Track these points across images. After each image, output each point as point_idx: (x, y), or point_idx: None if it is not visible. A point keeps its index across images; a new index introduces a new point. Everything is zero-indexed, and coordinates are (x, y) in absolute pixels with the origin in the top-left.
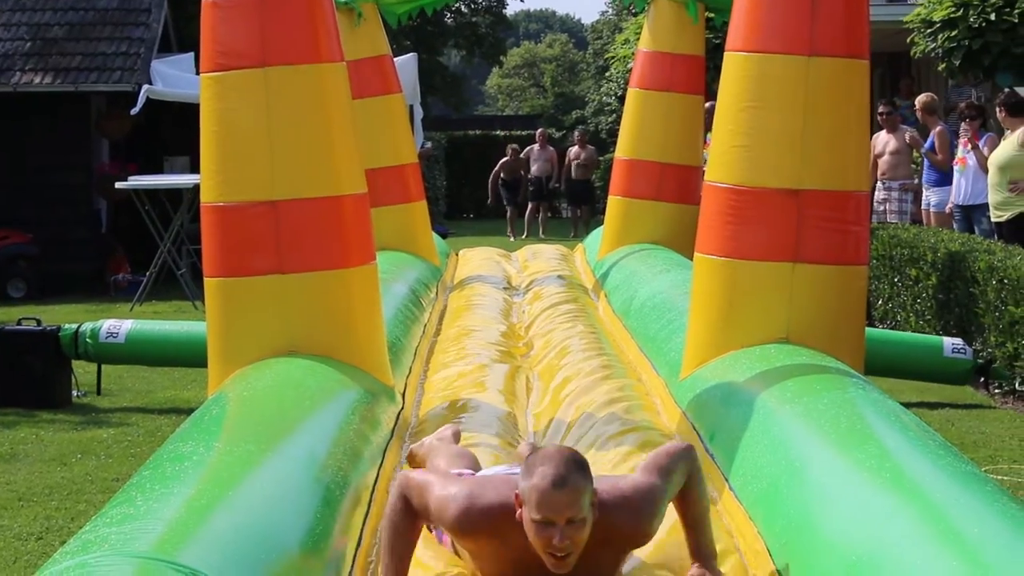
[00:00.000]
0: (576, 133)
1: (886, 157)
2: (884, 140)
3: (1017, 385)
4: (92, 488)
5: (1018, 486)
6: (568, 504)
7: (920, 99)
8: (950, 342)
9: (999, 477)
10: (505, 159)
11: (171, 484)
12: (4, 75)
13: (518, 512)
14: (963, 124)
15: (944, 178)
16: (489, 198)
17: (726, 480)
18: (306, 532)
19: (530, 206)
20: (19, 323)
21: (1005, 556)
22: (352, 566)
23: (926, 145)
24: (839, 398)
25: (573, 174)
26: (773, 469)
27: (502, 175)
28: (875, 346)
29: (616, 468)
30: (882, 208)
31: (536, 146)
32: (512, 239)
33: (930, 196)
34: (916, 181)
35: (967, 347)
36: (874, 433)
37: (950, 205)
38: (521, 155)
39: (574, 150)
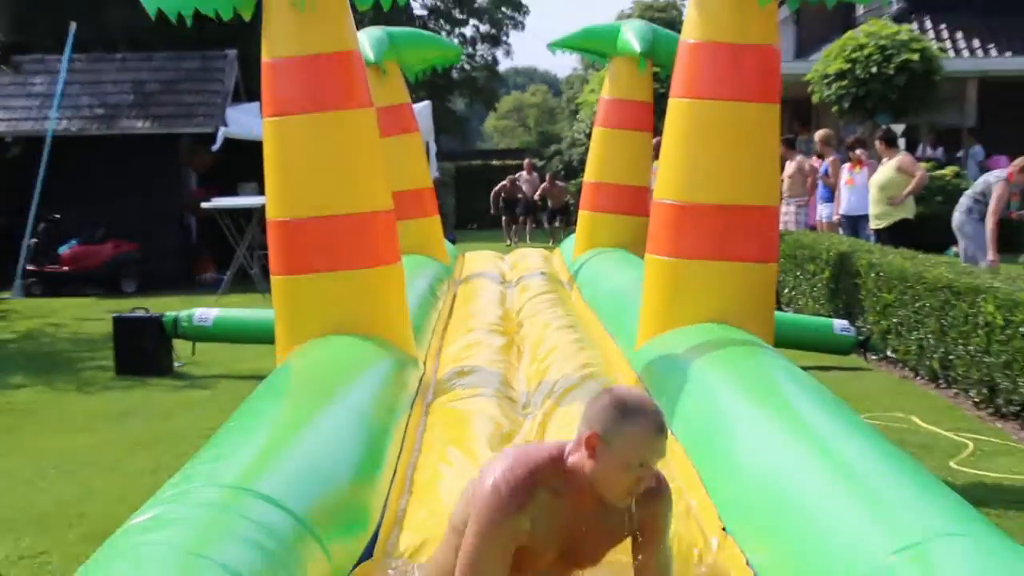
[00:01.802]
0: (548, 175)
1: (785, 180)
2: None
3: (888, 353)
4: (191, 435)
5: (887, 428)
6: (663, 445)
7: (818, 134)
8: (839, 323)
9: (873, 421)
10: (503, 183)
11: (250, 432)
12: (113, 121)
13: (587, 455)
14: (851, 153)
15: (831, 195)
16: (491, 208)
17: (669, 426)
18: (354, 466)
19: (520, 219)
20: (132, 311)
21: (875, 472)
22: (389, 491)
23: (821, 170)
24: (755, 363)
25: (549, 204)
26: (705, 416)
27: (502, 195)
28: (782, 326)
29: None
30: (785, 219)
31: (524, 173)
32: (508, 244)
33: (823, 209)
34: (807, 199)
35: (851, 327)
36: (781, 389)
37: (836, 216)
38: (516, 180)
39: (545, 187)
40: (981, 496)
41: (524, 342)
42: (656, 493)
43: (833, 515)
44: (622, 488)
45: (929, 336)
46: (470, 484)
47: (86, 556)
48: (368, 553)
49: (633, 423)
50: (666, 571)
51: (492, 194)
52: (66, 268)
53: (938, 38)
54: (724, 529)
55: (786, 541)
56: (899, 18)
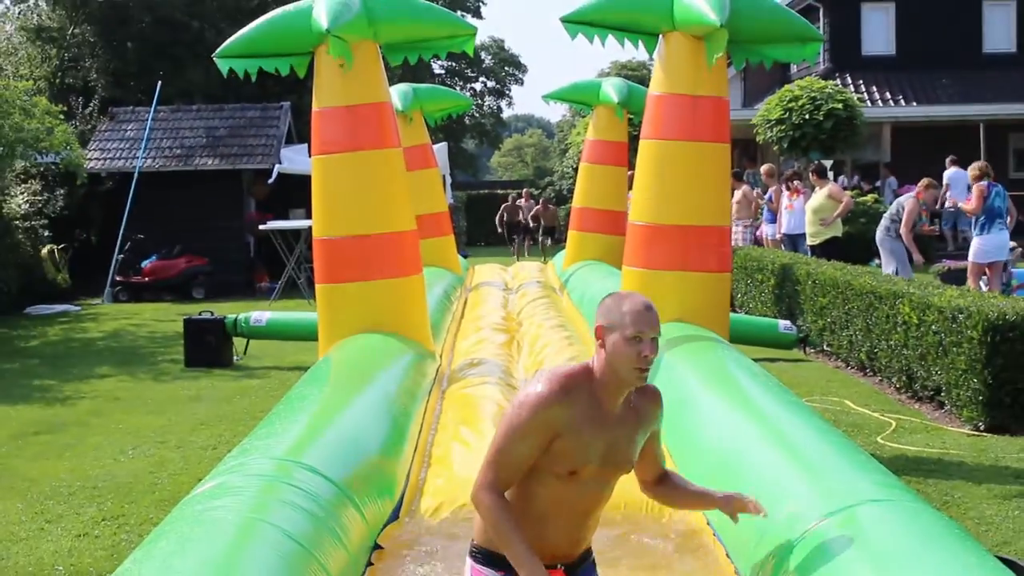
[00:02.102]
0: (541, 200)
1: (734, 205)
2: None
3: (824, 348)
4: (247, 417)
5: (824, 410)
6: (655, 321)
7: (763, 168)
8: (782, 322)
9: (813, 404)
10: (506, 204)
11: (297, 415)
12: (189, 160)
13: (600, 347)
14: (789, 183)
15: (774, 218)
16: (498, 229)
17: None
18: (382, 443)
19: (520, 238)
20: (200, 314)
21: (813, 447)
22: (411, 464)
23: (766, 197)
24: (714, 355)
25: (542, 223)
26: (673, 400)
27: (505, 216)
28: (736, 325)
29: None
30: (735, 237)
31: (523, 200)
32: (516, 259)
33: (767, 229)
34: (751, 221)
35: (793, 326)
36: (735, 377)
37: (779, 235)
38: (517, 203)
39: (538, 208)
40: (903, 467)
41: (523, 339)
42: (654, 396)
43: (777, 483)
44: (630, 362)
45: (857, 333)
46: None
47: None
48: (395, 515)
49: (625, 304)
50: (662, 459)
51: (497, 217)
52: (147, 279)
53: (856, 91)
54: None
55: None
56: (825, 75)
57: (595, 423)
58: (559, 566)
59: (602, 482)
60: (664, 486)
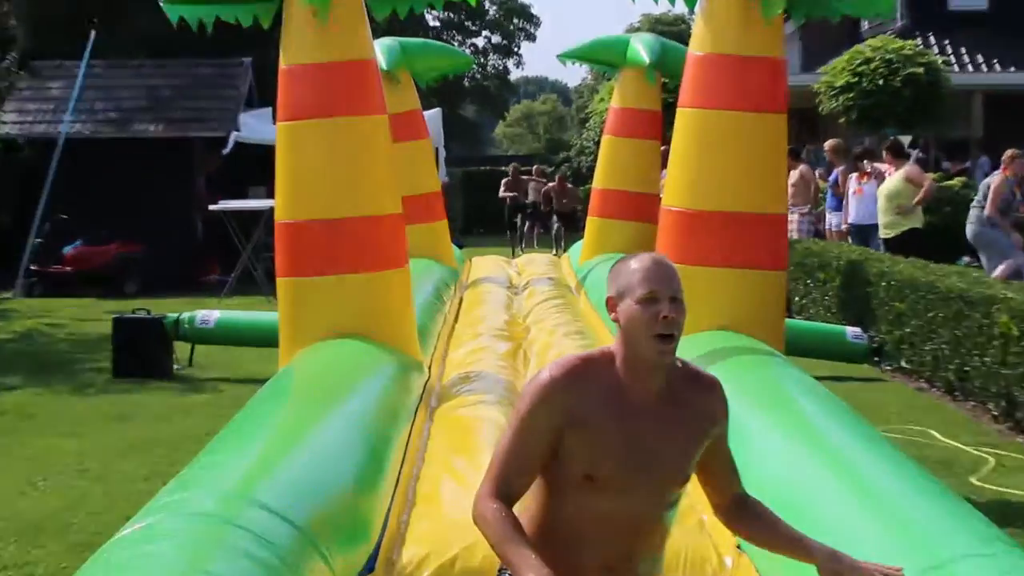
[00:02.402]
0: (558, 176)
1: (790, 188)
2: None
3: (903, 364)
4: (188, 441)
5: (906, 441)
6: (671, 276)
7: (829, 143)
8: (851, 330)
9: (889, 435)
10: (506, 178)
11: (250, 438)
12: (127, 125)
13: (615, 322)
14: (859, 164)
15: (840, 204)
16: (503, 206)
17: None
18: (356, 475)
19: (527, 225)
20: (133, 312)
21: (895, 489)
22: (391, 503)
23: (831, 179)
24: (767, 373)
25: (555, 206)
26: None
27: (508, 201)
28: (793, 333)
29: None
30: (789, 228)
31: (531, 178)
32: (519, 250)
33: (831, 218)
34: (809, 208)
35: (864, 334)
36: (794, 400)
37: (845, 225)
38: (520, 180)
39: (553, 186)
40: (1005, 515)
41: (531, 348)
42: (711, 387)
43: (852, 534)
44: (646, 328)
45: (944, 347)
46: None
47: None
48: (370, 566)
49: (633, 262)
50: (735, 475)
51: (500, 197)
52: (69, 268)
53: (941, 52)
54: (738, 547)
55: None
56: (903, 34)
57: (613, 414)
58: None
59: (638, 494)
60: (744, 514)
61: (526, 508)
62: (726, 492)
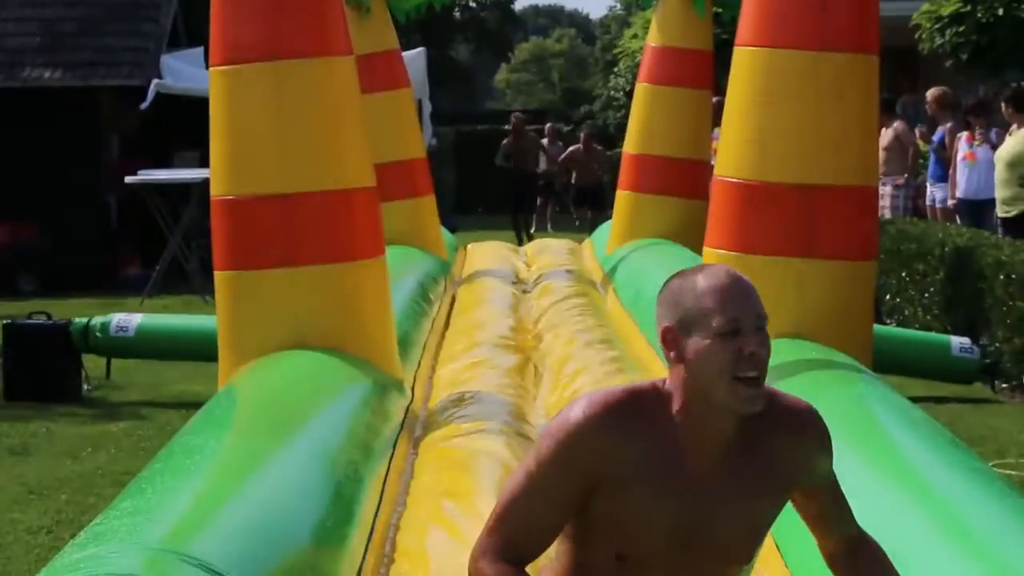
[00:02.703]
0: (582, 134)
1: (881, 153)
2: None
3: (1023, 380)
4: (103, 482)
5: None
6: (754, 298)
7: (932, 92)
8: (958, 341)
9: (1007, 472)
10: (507, 140)
11: (182, 477)
12: (15, 70)
13: (674, 361)
14: (971, 120)
15: (946, 173)
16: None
17: None
18: (318, 525)
19: (539, 201)
20: (29, 317)
21: (1011, 551)
22: (363, 558)
23: (935, 139)
24: (849, 393)
25: (575, 179)
26: None
27: (507, 159)
28: (883, 343)
29: None
30: (880, 204)
31: (545, 141)
32: (525, 237)
33: (935, 192)
34: (906, 177)
35: (974, 347)
36: (884, 428)
37: (953, 200)
38: (522, 142)
39: (575, 150)
40: None
41: (543, 361)
42: (801, 424)
43: None
44: (726, 371)
45: None
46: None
47: None
48: None
49: (701, 281)
50: (847, 517)
51: (499, 165)
52: None
53: None
54: None
55: None
56: None
57: (662, 476)
58: None
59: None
60: (862, 564)
61: (549, 561)
62: (836, 536)
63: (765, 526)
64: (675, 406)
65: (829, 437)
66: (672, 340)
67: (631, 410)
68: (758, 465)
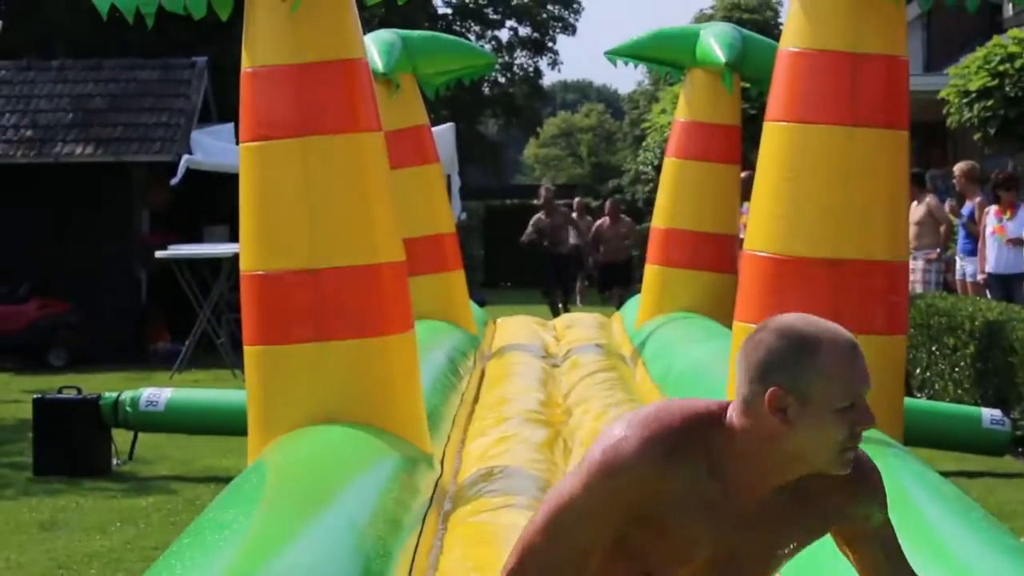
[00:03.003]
0: (607, 204)
1: (912, 227)
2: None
3: None
4: (131, 557)
5: None
6: (863, 362)
7: (960, 166)
8: (989, 413)
9: None
10: (539, 216)
11: (211, 553)
12: (47, 146)
13: (778, 422)
14: (999, 193)
15: (976, 247)
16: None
17: None
18: None
19: (569, 275)
20: (60, 392)
21: None
22: None
23: (965, 213)
24: (879, 467)
25: (602, 252)
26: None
27: (540, 237)
28: (914, 416)
29: None
30: (912, 278)
31: (574, 215)
32: (561, 311)
33: (966, 265)
34: (938, 251)
35: (1005, 418)
36: (915, 504)
37: (982, 275)
38: (542, 221)
39: (603, 223)
40: None
41: (573, 436)
42: (862, 476)
43: None
44: (837, 446)
45: None
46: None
47: None
48: None
49: (823, 349)
50: (899, 567)
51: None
52: None
53: None
54: None
55: None
56: None
57: (713, 511)
58: None
59: None
60: None
61: None
62: None
63: (789, 557)
64: (738, 445)
65: (876, 483)
66: (780, 404)
67: (686, 441)
68: (798, 503)
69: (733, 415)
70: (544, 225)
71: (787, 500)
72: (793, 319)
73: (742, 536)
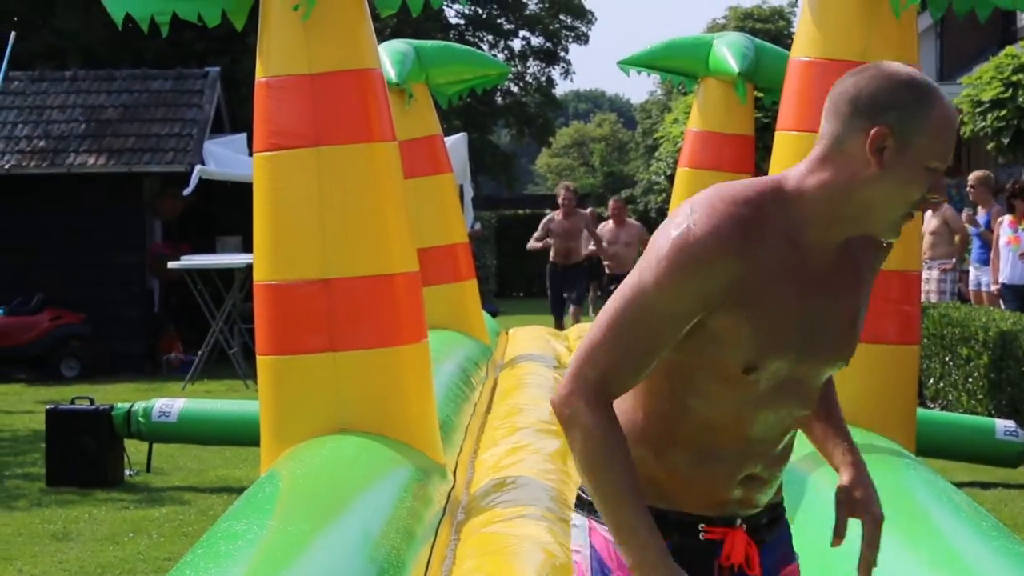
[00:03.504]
0: (613, 202)
1: (927, 237)
2: (925, 219)
3: None
4: (144, 567)
5: None
6: None
7: (975, 175)
8: (1002, 424)
9: None
10: (549, 219)
11: (224, 563)
12: (59, 156)
13: (873, 162)
14: (1014, 203)
15: (989, 257)
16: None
17: None
18: None
19: (573, 292)
20: (72, 402)
21: None
22: None
23: (982, 222)
24: (891, 478)
25: (606, 264)
26: (824, 545)
27: (551, 246)
28: (926, 427)
29: None
30: (926, 288)
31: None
32: (571, 321)
33: (980, 275)
34: (954, 261)
35: (1019, 429)
36: (927, 514)
37: (997, 285)
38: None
39: (611, 228)
40: None
41: None
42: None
43: None
44: (907, 207)
45: None
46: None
47: None
48: None
49: (937, 108)
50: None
51: (534, 240)
52: None
53: None
54: None
55: None
56: None
57: (794, 280)
58: (738, 521)
59: (800, 384)
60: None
61: (621, 412)
62: None
63: (861, 320)
64: (807, 205)
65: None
66: (881, 143)
67: (757, 213)
68: (852, 260)
69: (798, 174)
70: (556, 227)
71: (846, 260)
72: (904, 67)
73: (825, 303)
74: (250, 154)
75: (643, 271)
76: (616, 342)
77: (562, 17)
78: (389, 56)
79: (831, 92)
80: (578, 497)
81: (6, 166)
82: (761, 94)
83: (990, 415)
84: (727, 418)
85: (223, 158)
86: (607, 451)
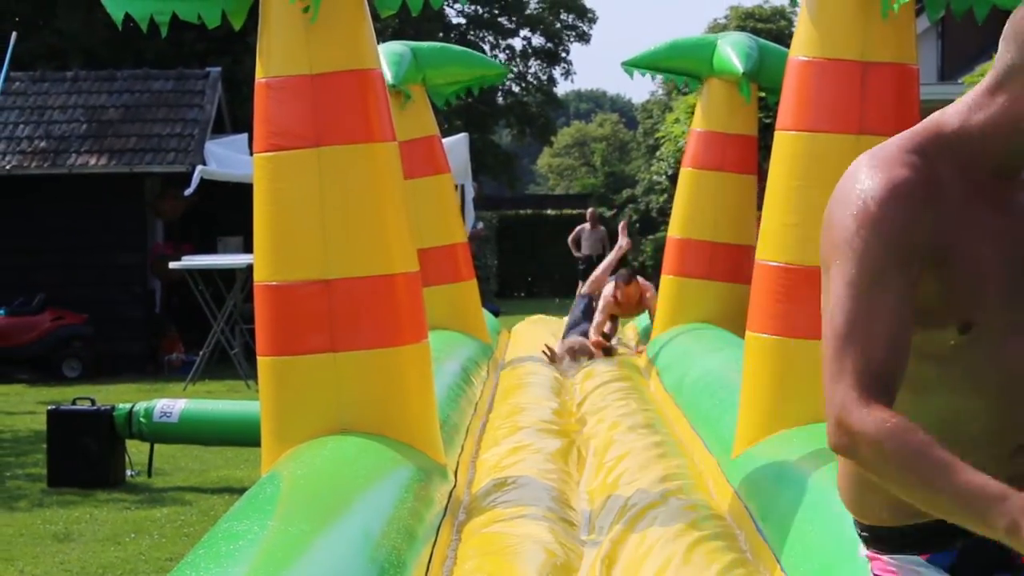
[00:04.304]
0: (622, 224)
1: None
2: None
3: None
4: (146, 568)
5: None
6: None
7: None
8: None
9: None
10: (581, 226)
11: (225, 563)
12: (60, 157)
13: (1015, 86)
14: None
15: None
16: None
17: (778, 560)
18: None
19: (580, 285)
20: (74, 403)
21: None
22: None
23: None
24: None
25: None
26: (827, 549)
27: (583, 255)
28: None
29: (667, 546)
30: None
31: (587, 226)
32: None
33: None
34: None
35: None
36: None
37: None
38: (571, 236)
39: (586, 230)
40: None
41: (587, 445)
42: None
43: None
44: None
45: None
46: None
47: None
48: None
49: None
50: None
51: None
52: None
53: None
54: None
55: None
56: None
57: (982, 223)
58: None
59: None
60: None
61: None
62: None
63: None
64: (976, 141)
65: None
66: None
67: (927, 163)
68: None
69: (957, 114)
70: (580, 234)
71: (1019, 206)
72: None
73: (1019, 243)
74: (251, 154)
75: (848, 254)
76: (859, 337)
77: (563, 16)
78: (386, 58)
79: (1012, 20)
80: (858, 533)
81: (7, 167)
82: (764, 94)
83: None
84: (967, 395)
85: (224, 158)
86: (905, 445)
